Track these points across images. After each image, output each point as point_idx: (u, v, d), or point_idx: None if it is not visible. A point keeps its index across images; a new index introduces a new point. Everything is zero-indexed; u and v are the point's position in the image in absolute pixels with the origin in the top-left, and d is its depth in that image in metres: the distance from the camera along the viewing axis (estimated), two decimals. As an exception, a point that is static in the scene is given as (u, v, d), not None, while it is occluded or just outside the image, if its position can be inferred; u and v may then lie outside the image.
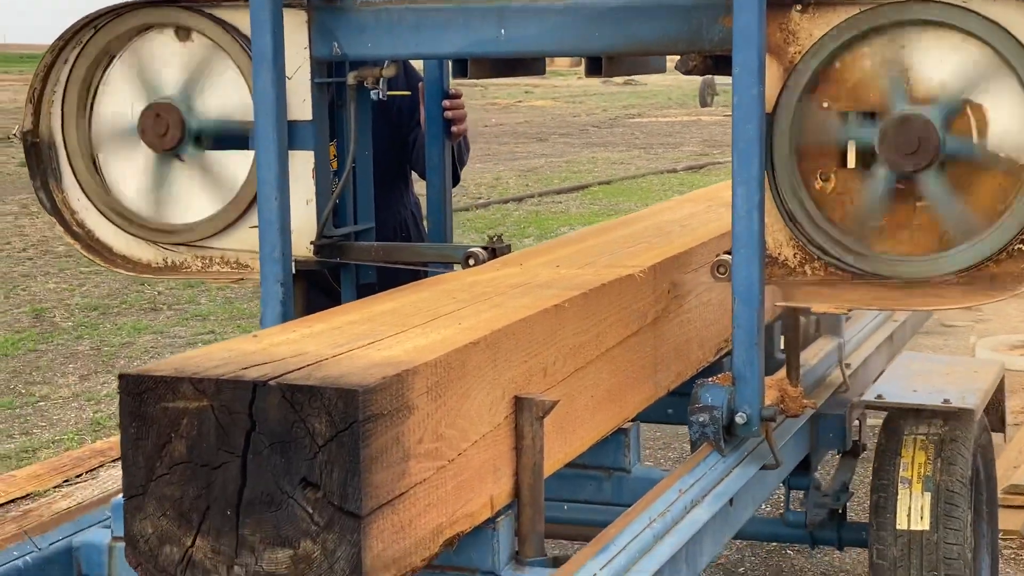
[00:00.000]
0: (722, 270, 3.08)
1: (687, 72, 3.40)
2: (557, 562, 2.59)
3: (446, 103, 4.04)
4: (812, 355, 4.09)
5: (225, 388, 2.15)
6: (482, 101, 28.09)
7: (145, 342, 8.66)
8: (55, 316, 9.46)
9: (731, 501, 3.15)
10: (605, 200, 14.67)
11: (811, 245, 3.10)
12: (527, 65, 3.70)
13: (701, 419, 3.06)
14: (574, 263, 3.33)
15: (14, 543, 2.63)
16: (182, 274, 3.68)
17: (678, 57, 3.45)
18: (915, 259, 3.07)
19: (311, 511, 2.12)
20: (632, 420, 3.21)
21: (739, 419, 3.07)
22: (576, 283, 3.01)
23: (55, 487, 6.05)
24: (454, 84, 4.09)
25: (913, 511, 3.85)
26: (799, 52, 3.04)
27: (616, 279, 3.09)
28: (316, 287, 3.71)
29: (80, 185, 3.67)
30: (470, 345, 2.43)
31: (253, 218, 3.46)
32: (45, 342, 8.70)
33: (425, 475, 2.28)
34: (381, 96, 3.58)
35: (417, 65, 4.36)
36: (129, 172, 3.66)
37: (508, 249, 3.57)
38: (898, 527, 3.84)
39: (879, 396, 4.00)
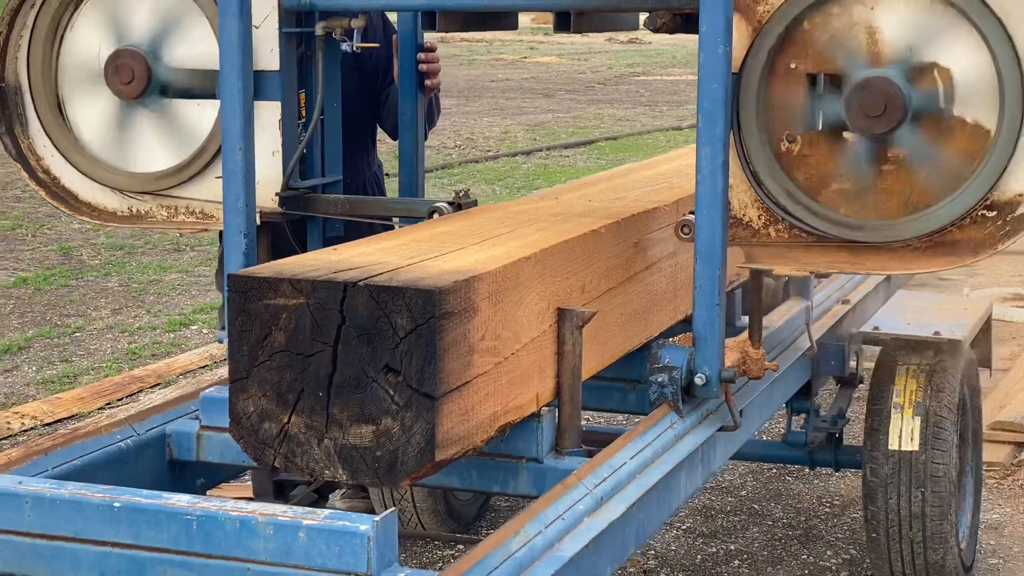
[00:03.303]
0: (686, 230, 3.09)
1: (655, 30, 3.32)
2: (591, 454, 2.96)
3: (420, 56, 3.96)
4: (778, 317, 4.08)
5: (320, 288, 2.52)
6: (487, 57, 28.34)
7: (172, 280, 9.01)
8: (82, 255, 9.78)
9: (741, 412, 3.52)
10: (612, 155, 14.98)
11: (776, 207, 3.09)
12: (498, 19, 3.66)
13: (660, 379, 3.07)
14: (605, 197, 3.69)
15: (117, 428, 2.99)
16: (147, 223, 3.64)
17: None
18: (879, 223, 3.06)
19: (392, 393, 2.49)
20: (655, 339, 3.57)
21: (698, 380, 3.09)
22: (609, 213, 3.37)
23: (98, 409, 6.46)
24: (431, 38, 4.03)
25: (904, 433, 4.22)
26: (768, 12, 3.02)
27: (644, 211, 3.45)
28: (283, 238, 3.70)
29: (46, 131, 3.63)
30: (523, 260, 2.80)
31: (219, 168, 3.40)
32: (75, 278, 9.03)
33: (485, 368, 2.65)
34: (354, 48, 3.61)
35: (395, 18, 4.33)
36: (95, 119, 3.63)
37: (475, 203, 3.57)
38: (890, 448, 4.21)
39: (876, 328, 4.38)
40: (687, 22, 3.24)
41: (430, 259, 2.73)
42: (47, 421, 6.14)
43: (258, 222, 3.39)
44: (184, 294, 8.61)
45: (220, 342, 3.23)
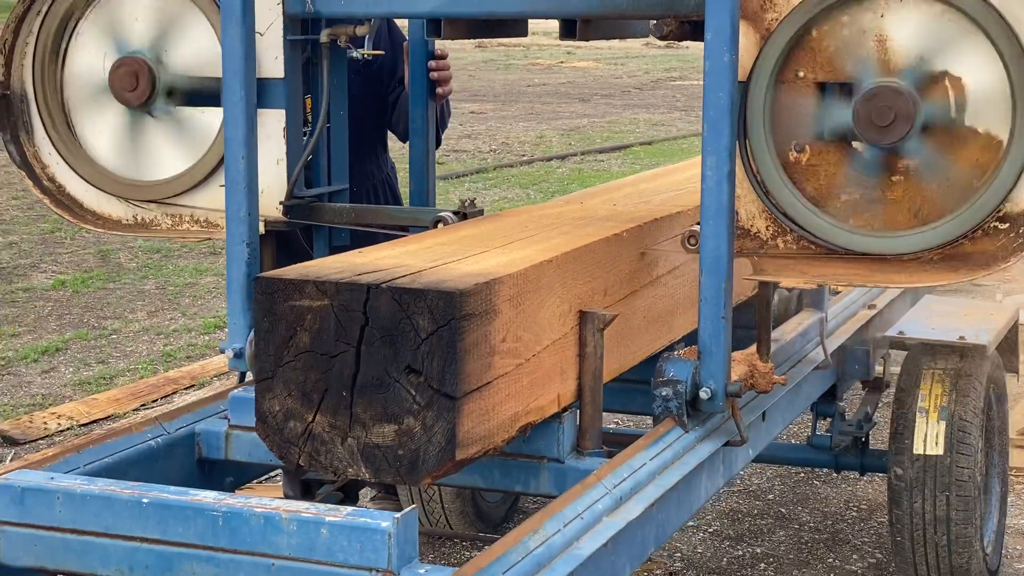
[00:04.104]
0: (692, 241, 3.04)
1: (662, 37, 3.23)
2: (612, 454, 3.00)
3: (431, 63, 3.92)
4: (791, 329, 4.00)
5: (343, 289, 2.57)
6: (524, 61, 28.42)
7: (208, 283, 9.11)
8: (120, 258, 9.90)
9: (763, 415, 3.56)
10: (646, 160, 15.00)
11: (784, 218, 3.04)
12: (506, 26, 3.59)
13: (664, 393, 3.03)
14: (629, 202, 3.73)
15: (148, 427, 3.05)
16: (152, 232, 3.61)
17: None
18: (889, 235, 3.00)
19: (414, 393, 2.54)
20: (678, 342, 3.60)
21: (703, 394, 3.03)
22: (632, 217, 3.41)
23: (133, 410, 6.55)
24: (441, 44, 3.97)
25: (929, 438, 4.24)
26: (776, 19, 2.97)
27: (667, 215, 3.49)
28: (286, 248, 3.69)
29: (51, 139, 3.61)
30: (544, 263, 2.84)
31: (223, 176, 3.37)
32: (112, 281, 9.15)
33: (506, 370, 2.70)
34: (365, 56, 3.59)
35: (402, 24, 4.24)
36: (100, 127, 3.60)
37: (480, 213, 3.54)
38: (915, 452, 4.23)
39: (901, 333, 4.40)
40: (694, 29, 3.18)
41: (452, 262, 2.78)
42: (83, 422, 6.24)
43: (262, 231, 3.38)
44: (219, 297, 8.69)
45: (222, 351, 3.23)
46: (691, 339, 3.67)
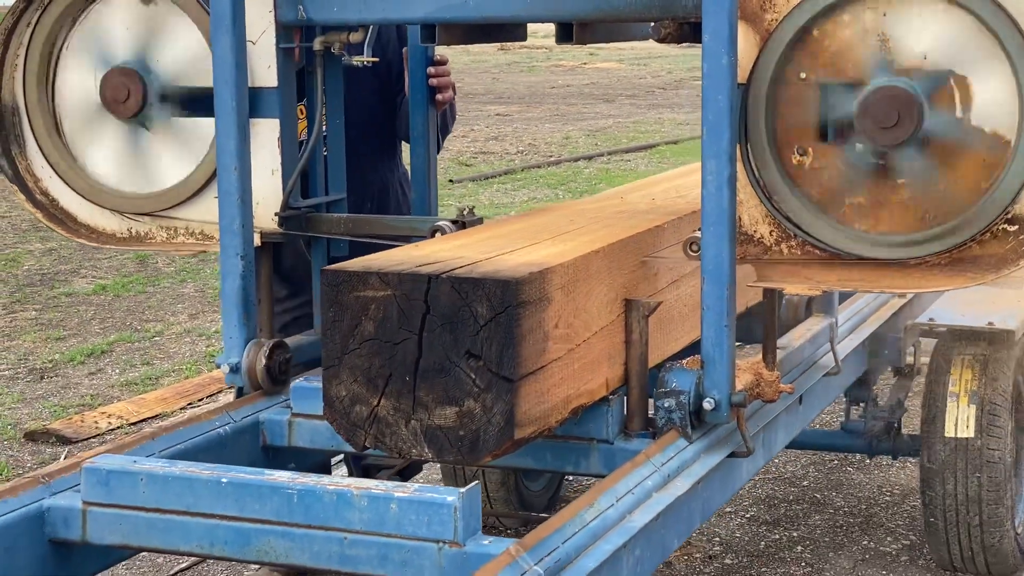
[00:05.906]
0: (695, 248, 2.98)
1: (660, 40, 3.17)
2: (656, 436, 3.15)
3: (431, 70, 3.89)
4: (799, 336, 3.91)
5: (406, 280, 2.73)
6: (547, 63, 28.59)
7: (246, 286, 9.27)
8: (158, 263, 10.09)
9: (800, 399, 3.70)
10: (673, 159, 15.14)
11: (788, 222, 2.97)
12: (504, 31, 3.52)
13: (667, 404, 2.99)
14: (667, 196, 3.88)
15: (216, 416, 3.21)
16: (147, 245, 3.57)
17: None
18: (895, 239, 2.93)
19: (474, 376, 2.69)
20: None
21: (707, 405, 2.97)
22: (671, 211, 3.56)
23: (180, 408, 6.72)
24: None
25: (960, 421, 4.38)
26: (776, 19, 2.90)
27: (705, 208, 3.62)
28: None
29: (43, 152, 3.57)
30: (592, 253, 2.99)
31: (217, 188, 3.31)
32: (152, 285, 9.34)
33: (559, 354, 2.84)
34: (365, 63, 3.59)
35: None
36: (92, 139, 3.56)
37: (480, 221, 3.48)
38: (946, 435, 4.37)
39: (931, 320, 4.53)
40: (694, 31, 3.08)
41: (506, 253, 2.93)
42: (132, 420, 6.42)
43: (258, 243, 3.36)
44: (258, 299, 8.85)
45: (218, 367, 3.30)
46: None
